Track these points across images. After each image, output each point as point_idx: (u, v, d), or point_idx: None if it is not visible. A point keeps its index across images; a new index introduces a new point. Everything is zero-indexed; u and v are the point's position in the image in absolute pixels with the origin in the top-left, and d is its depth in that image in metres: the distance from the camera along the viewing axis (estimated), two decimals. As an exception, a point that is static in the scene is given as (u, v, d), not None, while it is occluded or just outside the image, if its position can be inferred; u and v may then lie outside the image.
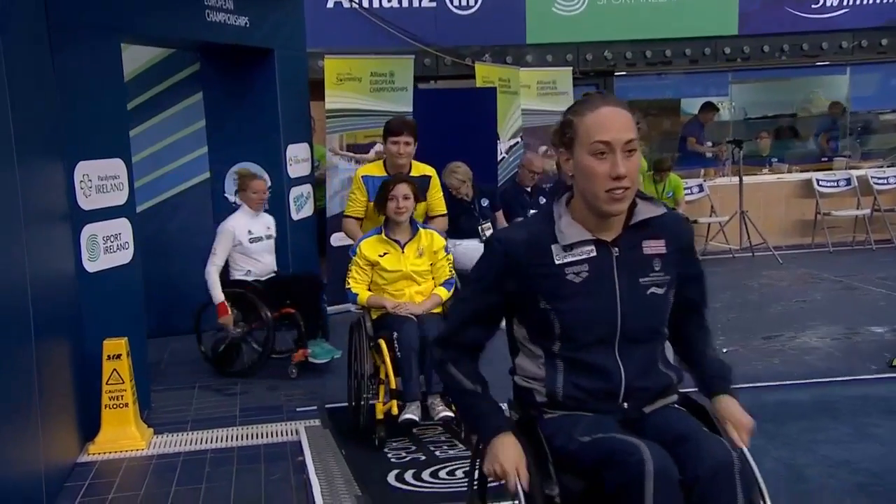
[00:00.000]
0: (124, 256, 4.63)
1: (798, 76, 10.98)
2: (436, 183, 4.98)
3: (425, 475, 3.75)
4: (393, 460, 3.94)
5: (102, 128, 4.51)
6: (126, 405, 4.22)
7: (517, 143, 8.91)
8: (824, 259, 9.15)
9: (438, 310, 4.34)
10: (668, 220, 2.11)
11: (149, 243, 5.78)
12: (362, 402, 4.19)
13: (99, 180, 4.45)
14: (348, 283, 4.30)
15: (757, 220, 9.48)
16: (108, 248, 4.51)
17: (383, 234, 4.33)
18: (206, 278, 5.31)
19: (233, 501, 3.57)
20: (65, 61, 4.24)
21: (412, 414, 4.04)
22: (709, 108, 10.71)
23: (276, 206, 6.52)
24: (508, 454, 1.99)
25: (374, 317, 4.28)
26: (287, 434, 4.37)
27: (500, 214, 6.88)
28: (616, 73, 10.15)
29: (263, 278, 5.51)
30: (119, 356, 4.21)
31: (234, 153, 6.48)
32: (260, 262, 5.52)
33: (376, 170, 4.91)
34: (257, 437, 4.35)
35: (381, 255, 4.29)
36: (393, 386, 4.06)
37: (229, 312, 5.31)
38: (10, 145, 3.44)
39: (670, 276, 2.09)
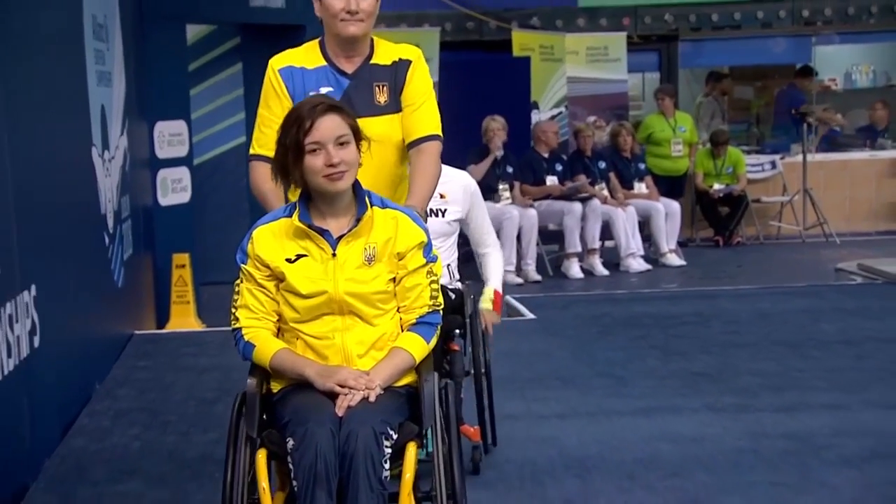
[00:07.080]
0: (185, 197, 9.70)
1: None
2: (419, 70, 4.21)
3: None
4: None
5: (172, 95, 9.60)
6: (188, 302, 9.24)
7: (560, 112, 13.78)
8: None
9: (408, 379, 3.71)
10: None
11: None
12: None
13: (169, 136, 9.51)
14: (234, 318, 3.69)
15: (840, 203, 13.97)
16: (174, 188, 9.58)
17: (295, 218, 3.65)
18: None
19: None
20: (150, 45, 9.31)
21: None
22: (805, 73, 15.27)
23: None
24: None
25: (276, 389, 3.70)
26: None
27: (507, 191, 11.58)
28: (681, 39, 14.88)
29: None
30: (184, 265, 9.23)
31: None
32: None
33: (306, 56, 4.21)
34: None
35: (290, 260, 3.65)
36: None
37: None
38: (122, 114, 8.48)
39: None
